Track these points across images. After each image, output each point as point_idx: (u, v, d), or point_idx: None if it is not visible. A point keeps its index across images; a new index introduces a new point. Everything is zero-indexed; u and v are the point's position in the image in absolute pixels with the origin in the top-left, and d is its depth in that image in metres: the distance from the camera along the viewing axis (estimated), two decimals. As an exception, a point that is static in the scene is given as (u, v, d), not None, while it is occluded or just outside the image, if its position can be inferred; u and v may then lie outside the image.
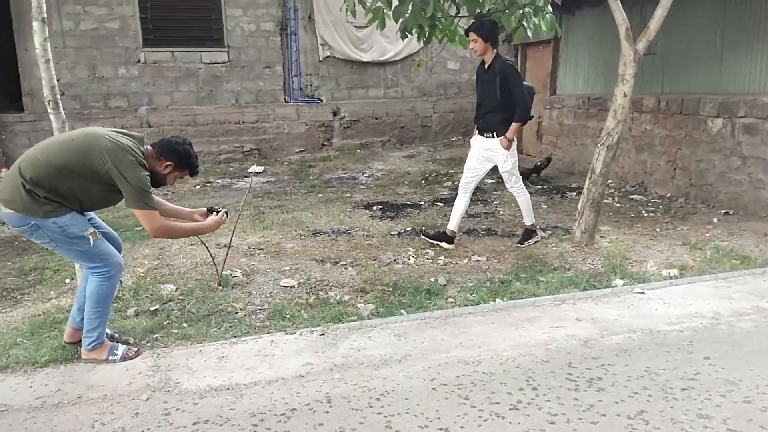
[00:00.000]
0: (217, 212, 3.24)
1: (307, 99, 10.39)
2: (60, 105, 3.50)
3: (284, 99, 10.23)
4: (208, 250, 4.10)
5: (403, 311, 3.65)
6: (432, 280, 4.16)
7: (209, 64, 9.60)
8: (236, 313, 3.63)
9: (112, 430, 2.45)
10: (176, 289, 3.95)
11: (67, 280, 4.21)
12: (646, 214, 6.00)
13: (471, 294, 3.90)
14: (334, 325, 3.44)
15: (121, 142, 2.78)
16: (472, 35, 4.48)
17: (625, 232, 5.30)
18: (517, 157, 4.81)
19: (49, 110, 3.48)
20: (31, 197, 2.68)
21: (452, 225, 4.90)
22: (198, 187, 8.00)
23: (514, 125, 4.57)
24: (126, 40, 9.08)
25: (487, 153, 4.73)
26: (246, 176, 8.74)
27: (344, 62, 10.46)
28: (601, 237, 5.07)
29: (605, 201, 6.02)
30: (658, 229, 5.38)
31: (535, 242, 4.93)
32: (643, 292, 3.86)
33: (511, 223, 5.77)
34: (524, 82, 4.76)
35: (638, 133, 7.16)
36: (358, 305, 3.74)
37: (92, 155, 2.71)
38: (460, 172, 8.42)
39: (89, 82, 8.96)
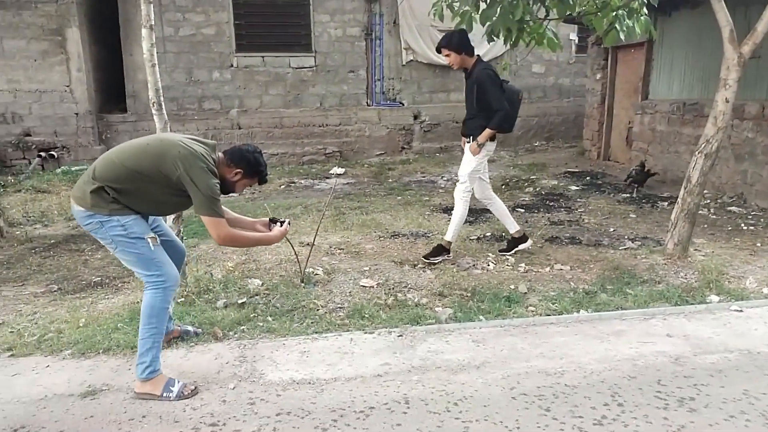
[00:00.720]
0: (281, 223, 3.14)
1: (388, 102, 10.50)
2: (163, 106, 3.73)
3: (366, 102, 10.39)
4: (293, 247, 4.23)
5: (481, 317, 3.61)
6: (512, 287, 4.09)
7: (297, 68, 9.91)
8: (318, 309, 3.72)
9: (201, 415, 2.58)
10: (262, 284, 4.11)
11: (163, 271, 4.47)
12: (745, 228, 5.61)
13: (553, 303, 3.80)
14: (411, 327, 3.46)
15: (194, 149, 2.77)
16: (444, 51, 4.45)
17: (722, 246, 4.98)
18: (481, 168, 4.60)
19: (153, 111, 3.72)
20: (100, 195, 2.70)
21: (512, 228, 4.81)
22: (282, 186, 8.27)
23: (486, 131, 4.42)
24: (220, 46, 9.55)
25: (469, 158, 4.59)
26: (327, 177, 8.95)
27: (427, 66, 10.49)
28: (696, 250, 4.79)
29: (700, 212, 5.68)
30: (758, 244, 5.01)
31: (441, 261, 4.58)
32: (741, 310, 3.62)
33: (597, 231, 5.56)
34: (511, 86, 4.59)
35: (739, 142, 6.70)
36: (436, 309, 3.74)
37: (166, 161, 2.71)
38: (543, 178, 8.28)
39: (186, 85, 9.49)
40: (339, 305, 3.81)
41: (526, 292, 4.00)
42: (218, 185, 2.80)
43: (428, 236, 5.41)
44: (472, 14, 4.74)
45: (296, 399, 2.69)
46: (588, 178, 8.22)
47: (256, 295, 3.95)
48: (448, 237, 4.67)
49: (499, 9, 4.72)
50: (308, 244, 4.76)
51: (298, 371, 2.95)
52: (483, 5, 4.84)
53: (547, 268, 4.50)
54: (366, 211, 6.48)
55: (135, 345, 3.22)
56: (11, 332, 3.47)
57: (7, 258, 4.97)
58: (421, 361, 3.03)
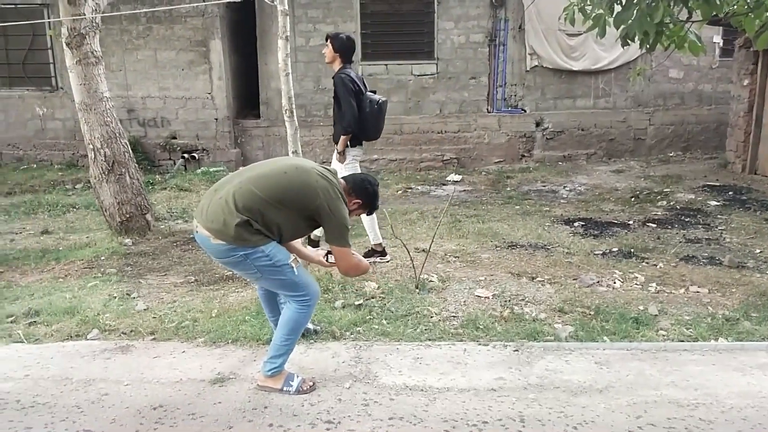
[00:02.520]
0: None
1: (510, 109, 10.28)
2: (294, 114, 3.93)
3: (487, 109, 10.25)
4: (409, 253, 4.27)
5: (605, 338, 3.41)
6: (641, 307, 3.82)
7: (418, 76, 10.01)
8: (431, 317, 3.72)
9: (318, 411, 2.68)
10: (378, 288, 4.18)
11: (286, 269, 4.70)
12: None
13: (687, 329, 3.50)
14: (528, 342, 3.35)
15: (331, 179, 2.80)
16: (328, 42, 4.64)
17: None
18: (353, 172, 4.33)
19: (285, 118, 3.93)
20: (245, 228, 2.64)
21: (376, 239, 4.78)
22: (399, 192, 8.39)
23: (342, 138, 4.47)
24: (346, 54, 9.91)
25: (335, 165, 4.58)
26: (444, 184, 8.94)
27: (552, 71, 10.13)
28: None
29: None
30: None
31: (374, 262, 4.57)
32: None
33: (741, 252, 5.05)
34: (374, 95, 4.59)
35: None
36: (556, 325, 3.59)
37: (307, 191, 2.71)
38: (678, 191, 7.67)
39: (314, 93, 9.93)
40: (453, 314, 3.78)
41: (656, 315, 3.73)
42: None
43: (548, 248, 5.22)
44: (606, 17, 4.51)
45: (409, 405, 2.71)
46: (731, 192, 7.50)
47: (372, 298, 4.03)
48: (373, 242, 4.77)
49: (636, 11, 4.45)
50: (423, 251, 4.78)
51: (411, 377, 2.97)
52: (618, 8, 4.59)
53: (682, 290, 4.16)
54: (482, 220, 6.38)
55: (260, 337, 3.42)
56: (154, 318, 3.82)
57: (153, 249, 5.49)
58: (538, 379, 2.92)
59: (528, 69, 10.12)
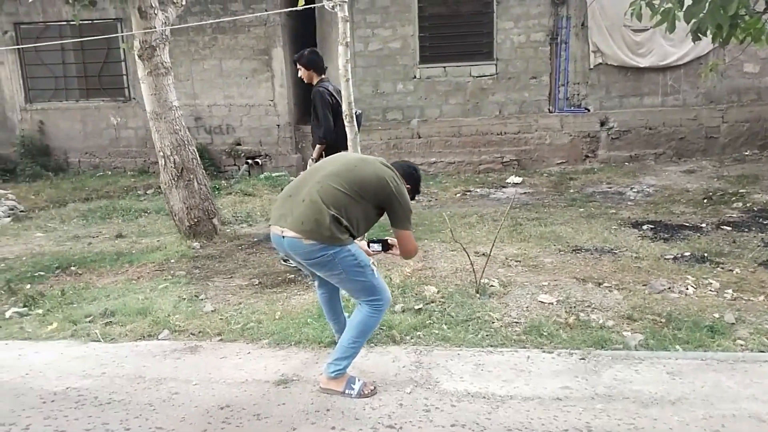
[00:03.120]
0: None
1: (572, 109, 10.01)
2: (354, 119, 3.96)
3: (548, 109, 10.02)
4: (469, 257, 4.22)
5: (678, 347, 3.26)
6: (716, 315, 3.63)
7: (477, 77, 9.91)
8: (493, 322, 3.67)
9: (380, 416, 2.69)
10: (437, 292, 4.16)
11: (347, 273, 4.75)
12: None
13: (768, 339, 3.29)
14: (595, 350, 3.25)
15: (391, 167, 2.91)
16: (297, 65, 4.92)
17: None
18: None
19: (346, 123, 3.97)
20: (336, 226, 2.69)
21: None
22: (458, 195, 8.32)
23: (317, 147, 4.77)
24: (405, 58, 9.92)
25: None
26: (504, 186, 8.80)
27: (617, 69, 9.79)
28: None
29: None
30: None
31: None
32: None
33: (828, 258, 4.71)
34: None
35: None
36: (624, 333, 3.45)
37: (380, 181, 2.79)
38: (755, 192, 7.23)
39: (372, 97, 10.01)
40: (515, 320, 3.71)
41: (733, 323, 3.53)
42: None
43: (615, 252, 5.04)
44: (676, 11, 4.33)
45: (471, 412, 2.67)
46: (815, 193, 7.01)
47: (432, 302, 4.01)
48: None
49: (708, 4, 4.25)
50: (484, 254, 4.71)
51: (473, 384, 2.93)
52: (688, 1, 4.40)
53: (761, 297, 3.92)
54: (545, 223, 6.23)
55: (322, 340, 3.47)
56: (221, 319, 3.94)
57: (219, 253, 5.67)
58: (606, 389, 2.82)
59: (591, 67, 9.82)
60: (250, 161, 10.13)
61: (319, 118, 4.79)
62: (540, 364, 3.10)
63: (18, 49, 10.05)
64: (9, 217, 7.74)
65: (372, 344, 3.41)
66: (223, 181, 9.35)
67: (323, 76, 4.92)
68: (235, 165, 10.24)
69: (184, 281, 4.81)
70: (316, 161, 4.74)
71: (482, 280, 4.22)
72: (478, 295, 4.08)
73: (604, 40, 9.63)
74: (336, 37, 9.88)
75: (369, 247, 3.16)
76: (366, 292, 2.87)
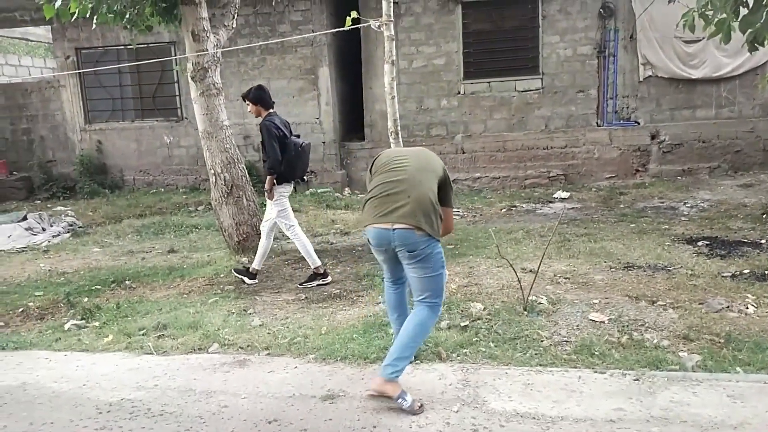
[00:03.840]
0: None
1: (621, 122, 9.79)
2: (400, 135, 3.99)
3: (596, 123, 9.83)
4: (516, 273, 4.16)
5: (738, 369, 3.11)
6: (780, 337, 3.45)
7: (522, 92, 9.83)
8: (542, 341, 3.59)
9: (427, 433, 2.66)
10: (484, 309, 4.11)
11: (392, 289, 4.74)
12: None
13: (839, 362, 3.11)
14: (650, 371, 3.13)
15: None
16: (246, 101, 5.15)
17: None
18: (284, 207, 5.12)
19: (391, 139, 4.01)
20: (438, 222, 2.94)
21: (257, 264, 5.26)
22: (503, 210, 8.22)
23: (268, 177, 4.97)
24: (449, 75, 9.94)
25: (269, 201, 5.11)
26: (551, 202, 8.65)
27: (668, 81, 9.54)
28: None
29: None
30: None
31: (318, 285, 5.03)
32: None
33: None
34: (297, 139, 5.10)
35: None
36: (681, 354, 3.32)
37: (444, 168, 3.11)
38: (820, 207, 6.88)
39: (416, 114, 10.06)
40: (565, 338, 3.62)
41: (799, 345, 3.34)
42: None
43: (669, 270, 4.87)
44: (731, 21, 4.20)
45: (520, 432, 2.61)
46: None
47: (478, 319, 3.96)
48: (314, 265, 5.12)
49: (765, 14, 4.11)
50: (531, 271, 4.64)
51: (522, 404, 2.87)
52: (744, 11, 4.26)
53: (830, 318, 3.71)
54: (594, 239, 6.08)
55: (368, 356, 3.47)
56: (268, 333, 4.00)
57: (266, 268, 5.76)
58: (662, 412, 2.71)
59: (641, 79, 9.61)
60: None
61: (267, 150, 4.99)
62: (592, 385, 3.01)
63: (79, 73, 10.58)
64: (68, 232, 8.10)
65: (417, 361, 3.38)
66: (270, 198, 9.51)
67: (271, 110, 5.14)
68: (281, 182, 10.43)
69: (233, 296, 4.90)
70: (269, 192, 5.04)
71: (530, 297, 4.15)
72: (525, 312, 4.01)
73: (654, 52, 9.42)
74: (381, 55, 9.98)
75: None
76: (436, 293, 3.02)
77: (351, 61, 10.51)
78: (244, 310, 4.52)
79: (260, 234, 6.27)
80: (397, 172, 3.03)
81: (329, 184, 10.14)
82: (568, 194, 8.92)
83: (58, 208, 9.70)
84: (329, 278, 5.17)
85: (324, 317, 4.27)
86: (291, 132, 5.17)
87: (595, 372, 3.15)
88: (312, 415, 2.90)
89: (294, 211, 8.46)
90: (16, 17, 11.00)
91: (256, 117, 5.25)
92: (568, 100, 9.79)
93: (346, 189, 10.13)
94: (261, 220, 6.42)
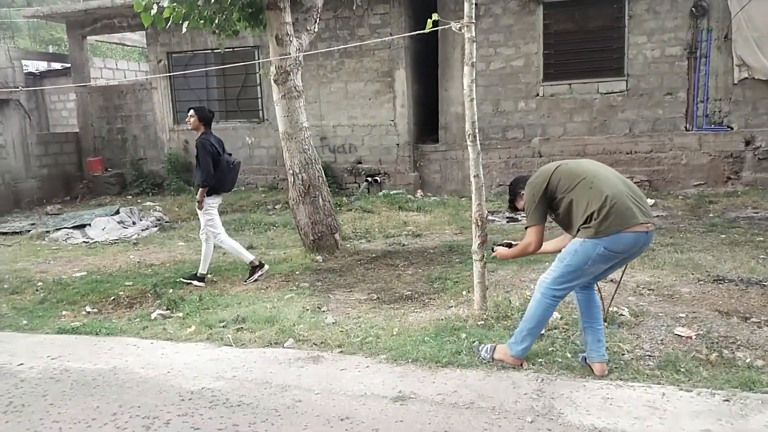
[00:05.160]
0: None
1: (712, 127, 9.22)
2: (477, 138, 3.94)
3: (685, 127, 9.31)
4: (596, 284, 4.00)
5: None
6: None
7: (605, 94, 9.47)
8: (623, 354, 3.44)
9: (499, 441, 2.61)
10: (561, 318, 3.99)
11: (464, 292, 4.70)
12: None
13: None
14: (742, 392, 2.93)
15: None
16: (191, 113, 5.56)
17: None
18: (212, 216, 5.50)
19: (468, 142, 3.96)
20: None
21: (202, 269, 5.58)
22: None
23: (200, 190, 5.39)
24: (528, 76, 9.74)
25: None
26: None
27: (766, 84, 8.90)
28: None
29: None
30: None
31: (259, 276, 5.48)
32: None
33: None
34: (230, 157, 5.62)
35: None
36: (778, 375, 3.08)
37: None
38: None
39: (492, 116, 9.92)
40: (648, 353, 3.45)
41: None
42: None
43: (765, 285, 4.54)
44: None
45: (598, 448, 2.51)
46: None
47: (555, 328, 3.85)
48: (248, 259, 5.56)
49: None
50: (612, 281, 4.45)
51: (600, 418, 2.76)
52: None
53: None
54: (681, 249, 5.77)
55: (439, 359, 3.46)
56: (341, 331, 4.06)
57: (340, 267, 5.86)
58: (756, 437, 2.53)
59: (736, 82, 9.02)
60: (369, 179, 10.42)
61: (201, 164, 5.37)
62: (677, 403, 2.85)
63: (169, 75, 11.17)
64: (156, 227, 8.57)
65: (489, 368, 3.33)
66: (344, 198, 9.68)
67: (207, 130, 5.55)
68: (355, 183, 10.57)
69: (308, 293, 5.02)
70: (200, 203, 5.43)
71: (611, 308, 3.99)
72: (606, 324, 3.84)
73: (751, 53, 8.81)
74: (458, 57, 9.93)
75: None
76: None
77: (426, 64, 10.51)
78: (318, 307, 4.61)
79: (333, 233, 6.40)
80: (605, 177, 3.08)
81: (402, 186, 10.17)
82: (653, 201, 8.49)
83: (147, 203, 10.29)
84: (266, 266, 5.61)
85: (395, 318, 4.28)
86: (224, 150, 5.62)
87: (681, 390, 2.98)
88: (383, 416, 2.91)
89: (366, 212, 8.66)
90: (115, 24, 11.77)
91: (193, 129, 5.63)
92: (654, 102, 9.34)
93: (419, 191, 10.13)
94: (335, 220, 6.55)
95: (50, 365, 3.77)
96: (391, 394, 3.13)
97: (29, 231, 8.73)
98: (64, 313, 4.86)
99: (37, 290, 5.58)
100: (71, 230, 8.32)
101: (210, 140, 5.49)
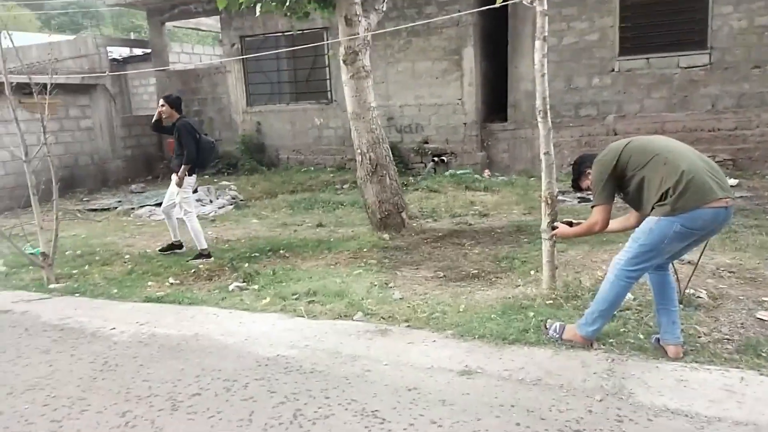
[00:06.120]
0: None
1: (807, 102, 8.58)
2: (548, 114, 3.88)
3: (775, 102, 8.71)
4: (673, 264, 3.87)
5: None
6: None
7: (686, 68, 8.99)
8: (699, 336, 3.33)
9: (567, 419, 2.61)
10: (634, 299, 3.89)
11: (532, 272, 4.66)
12: None
13: None
14: (830, 379, 2.78)
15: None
16: (162, 102, 5.95)
17: None
18: (189, 194, 5.93)
19: (539, 119, 3.90)
20: None
21: (201, 245, 5.90)
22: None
23: (183, 167, 5.76)
24: (602, 51, 9.37)
25: (173, 187, 5.93)
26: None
27: None
28: None
29: None
30: None
31: (201, 263, 5.67)
32: None
33: None
34: (207, 137, 6.09)
35: None
36: None
37: None
38: None
39: (564, 93, 9.63)
40: (726, 336, 3.33)
41: None
42: None
43: None
44: None
45: (670, 429, 2.47)
46: None
47: (627, 309, 3.76)
48: (201, 247, 5.89)
49: None
50: (689, 263, 4.29)
51: (673, 399, 2.70)
52: None
53: None
54: (765, 231, 5.45)
55: (506, 336, 3.47)
56: (408, 307, 4.13)
57: (407, 245, 5.93)
58: (844, 426, 2.41)
59: (837, 52, 8.33)
60: (436, 159, 10.40)
61: (184, 145, 5.75)
62: (756, 388, 2.75)
63: (242, 59, 11.52)
64: (231, 205, 8.94)
65: (557, 346, 3.31)
66: (410, 178, 9.73)
67: (180, 114, 5.93)
68: (421, 162, 10.59)
69: (375, 269, 5.12)
70: (180, 181, 5.78)
71: (687, 290, 3.85)
72: (682, 306, 3.72)
73: None
74: (528, 33, 9.69)
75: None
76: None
77: (495, 41, 10.31)
78: (385, 283, 4.71)
79: (400, 212, 6.48)
80: (680, 152, 2.99)
81: (469, 165, 10.10)
82: (737, 181, 8.04)
83: (223, 182, 10.73)
84: (211, 258, 5.84)
85: (462, 296, 4.31)
86: (201, 132, 6.02)
87: (762, 375, 2.87)
88: (450, 388, 2.97)
89: (433, 191, 8.68)
90: (192, 9, 12.24)
91: (167, 118, 5.95)
92: (740, 77, 8.78)
93: (486, 171, 10.02)
94: (402, 199, 6.62)
95: (139, 330, 4.07)
96: (457, 368, 3.18)
97: (116, 208, 9.34)
98: (149, 283, 5.20)
99: (125, 262, 5.99)
100: (154, 207, 8.82)
101: (190, 122, 5.92)
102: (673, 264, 3.83)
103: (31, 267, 5.70)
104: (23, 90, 6.37)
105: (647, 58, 9.16)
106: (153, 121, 6.13)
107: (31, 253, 5.67)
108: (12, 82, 5.32)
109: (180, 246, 6.25)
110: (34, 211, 5.43)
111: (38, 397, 3.16)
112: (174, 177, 5.92)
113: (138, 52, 15.84)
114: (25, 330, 4.23)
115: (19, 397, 3.17)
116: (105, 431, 2.78)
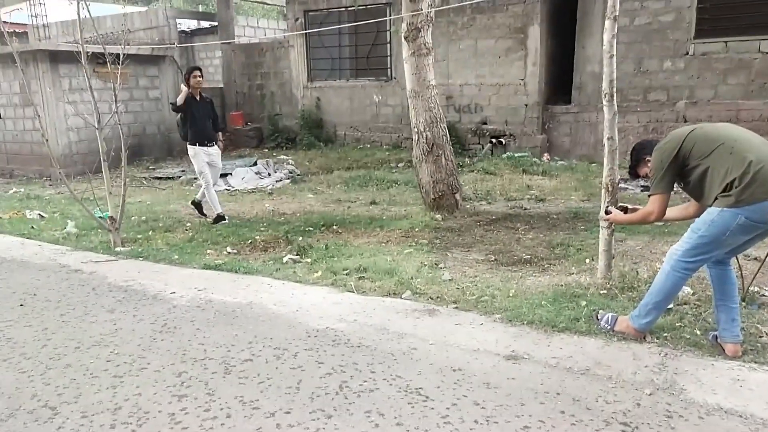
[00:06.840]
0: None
1: None
2: (614, 98, 3.74)
3: None
4: (738, 260, 3.69)
5: None
6: None
7: (767, 53, 8.43)
8: (760, 336, 3.19)
9: (614, 411, 2.57)
10: (693, 294, 3.75)
11: (588, 260, 4.56)
12: None
13: None
14: None
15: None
16: (198, 73, 6.38)
17: None
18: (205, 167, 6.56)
19: (604, 102, 3.77)
20: None
21: (218, 209, 6.50)
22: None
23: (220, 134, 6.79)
24: (677, 33, 8.90)
25: (210, 158, 6.52)
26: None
27: None
28: None
29: None
30: None
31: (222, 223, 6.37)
32: None
33: None
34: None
35: None
36: None
37: None
38: None
39: (633, 76, 9.23)
40: (792, 338, 3.16)
41: None
42: None
43: None
44: None
45: (722, 429, 2.39)
46: None
47: (685, 303, 3.64)
48: (217, 211, 6.46)
49: None
50: (756, 259, 4.09)
51: (728, 399, 2.61)
52: None
53: None
54: None
55: (556, 324, 3.43)
56: (457, 288, 4.13)
57: (459, 226, 5.90)
58: None
59: None
60: (494, 140, 10.23)
61: (219, 117, 6.52)
62: (820, 394, 2.61)
63: (305, 33, 11.62)
64: (288, 179, 9.12)
65: (608, 337, 3.24)
66: (466, 159, 9.63)
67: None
68: (479, 143, 10.44)
69: (426, 249, 5.13)
70: (223, 150, 6.74)
71: (751, 288, 3.68)
72: (744, 303, 3.57)
73: None
74: (598, 12, 9.32)
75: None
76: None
77: (562, 20, 9.96)
78: (435, 263, 4.71)
79: (454, 193, 6.44)
80: (747, 141, 2.83)
81: (528, 148, 9.89)
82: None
83: (281, 156, 10.94)
84: (226, 220, 6.45)
85: (513, 280, 4.27)
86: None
87: (828, 381, 2.72)
88: (495, 371, 2.97)
89: (489, 173, 8.57)
90: (258, -16, 12.38)
91: (197, 88, 6.36)
92: (829, 63, 8.17)
93: (545, 155, 9.79)
94: (457, 180, 6.57)
95: (197, 295, 4.25)
96: (504, 352, 3.17)
97: (179, 177, 9.69)
98: (208, 251, 5.40)
99: (186, 230, 6.23)
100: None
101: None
102: (737, 259, 3.67)
103: (99, 230, 6.02)
104: (98, 59, 6.65)
105: (725, 41, 8.64)
106: (183, 100, 6.29)
107: (101, 217, 5.98)
108: (88, 52, 5.57)
109: (223, 218, 6.50)
110: (104, 177, 5.71)
111: (102, 353, 3.36)
112: (206, 149, 6.48)
113: (205, 24, 16.22)
114: (92, 289, 4.49)
115: (86, 352, 3.39)
116: (162, 389, 2.94)
